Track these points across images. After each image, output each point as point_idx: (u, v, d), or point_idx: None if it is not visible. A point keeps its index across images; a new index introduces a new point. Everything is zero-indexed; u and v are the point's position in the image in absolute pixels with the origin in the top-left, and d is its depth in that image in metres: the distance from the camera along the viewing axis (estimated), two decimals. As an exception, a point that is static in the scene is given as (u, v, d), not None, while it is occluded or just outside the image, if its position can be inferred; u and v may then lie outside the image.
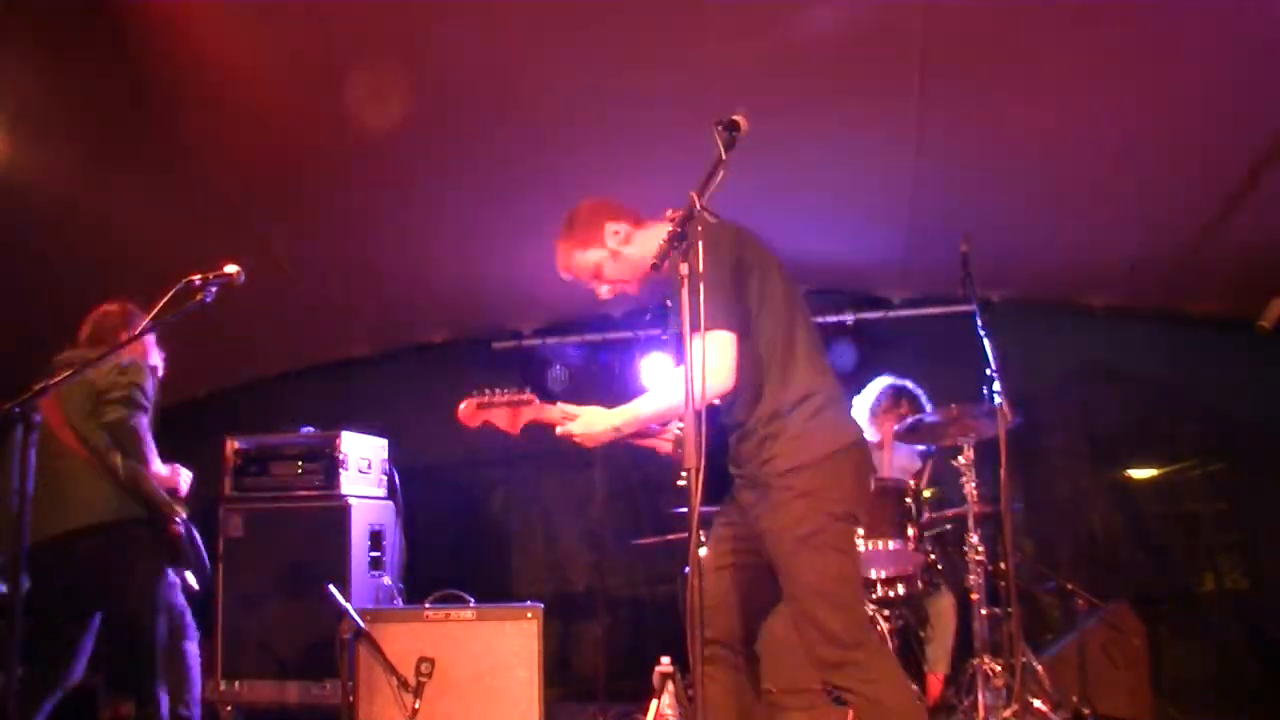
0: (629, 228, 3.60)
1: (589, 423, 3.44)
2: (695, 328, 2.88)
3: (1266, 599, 6.28)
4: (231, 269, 3.87)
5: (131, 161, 5.08)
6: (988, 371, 5.06)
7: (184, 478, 4.74)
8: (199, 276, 3.82)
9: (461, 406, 3.55)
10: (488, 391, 3.60)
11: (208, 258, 3.86)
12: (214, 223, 5.50)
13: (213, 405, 7.62)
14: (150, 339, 4.65)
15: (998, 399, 4.98)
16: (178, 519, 4.51)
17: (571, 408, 3.52)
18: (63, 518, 4.32)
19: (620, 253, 3.59)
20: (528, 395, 3.58)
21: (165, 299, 3.74)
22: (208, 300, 3.84)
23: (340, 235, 6.03)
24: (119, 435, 4.36)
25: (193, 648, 4.68)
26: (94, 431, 4.38)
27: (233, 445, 6.23)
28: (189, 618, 4.70)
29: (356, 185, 5.54)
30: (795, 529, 3.19)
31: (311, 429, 6.29)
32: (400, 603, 6.15)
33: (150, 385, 4.50)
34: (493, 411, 3.59)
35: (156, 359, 4.75)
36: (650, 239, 3.42)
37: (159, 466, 4.53)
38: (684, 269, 2.88)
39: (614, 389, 6.64)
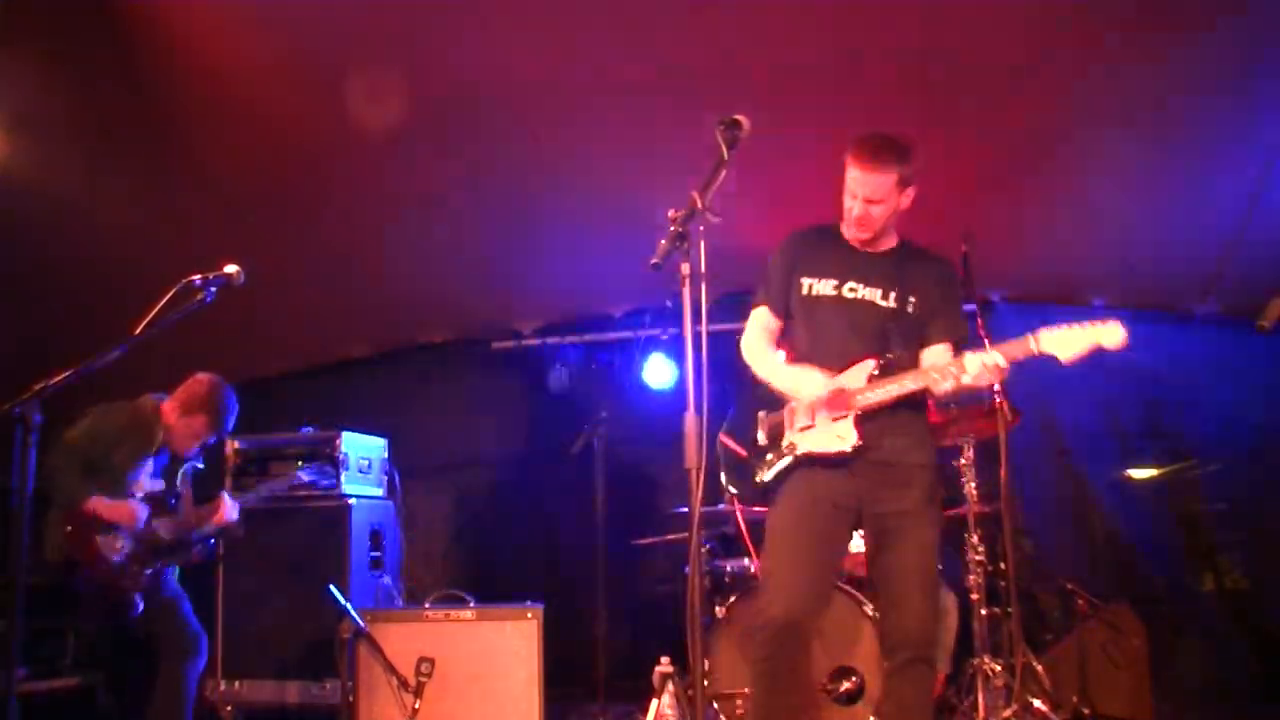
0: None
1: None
2: (696, 325, 2.89)
3: (1266, 599, 6.27)
4: (231, 269, 3.86)
5: (131, 161, 5.08)
6: (988, 371, 5.05)
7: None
8: (199, 276, 3.82)
9: None
10: None
11: (207, 257, 3.86)
12: (213, 222, 5.50)
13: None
14: (195, 425, 4.98)
15: (997, 399, 4.98)
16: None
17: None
18: None
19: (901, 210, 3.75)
20: None
21: (165, 299, 3.73)
22: (207, 300, 3.83)
23: (340, 235, 6.02)
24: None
25: None
26: None
27: (232, 445, 6.22)
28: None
29: (356, 185, 5.54)
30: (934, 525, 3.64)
31: (311, 429, 6.28)
32: (400, 603, 6.14)
33: (105, 443, 4.79)
34: None
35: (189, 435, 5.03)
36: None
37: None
38: (685, 269, 2.89)
39: (614, 388, 6.66)
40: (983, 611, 5.19)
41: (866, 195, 3.59)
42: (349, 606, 4.99)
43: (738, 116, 3.00)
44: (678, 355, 6.98)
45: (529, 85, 4.82)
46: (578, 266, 6.74)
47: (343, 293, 6.75)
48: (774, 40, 4.52)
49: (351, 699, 5.03)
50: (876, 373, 3.57)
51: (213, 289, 3.85)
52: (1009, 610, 5.18)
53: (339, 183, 5.52)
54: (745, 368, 3.85)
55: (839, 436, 3.59)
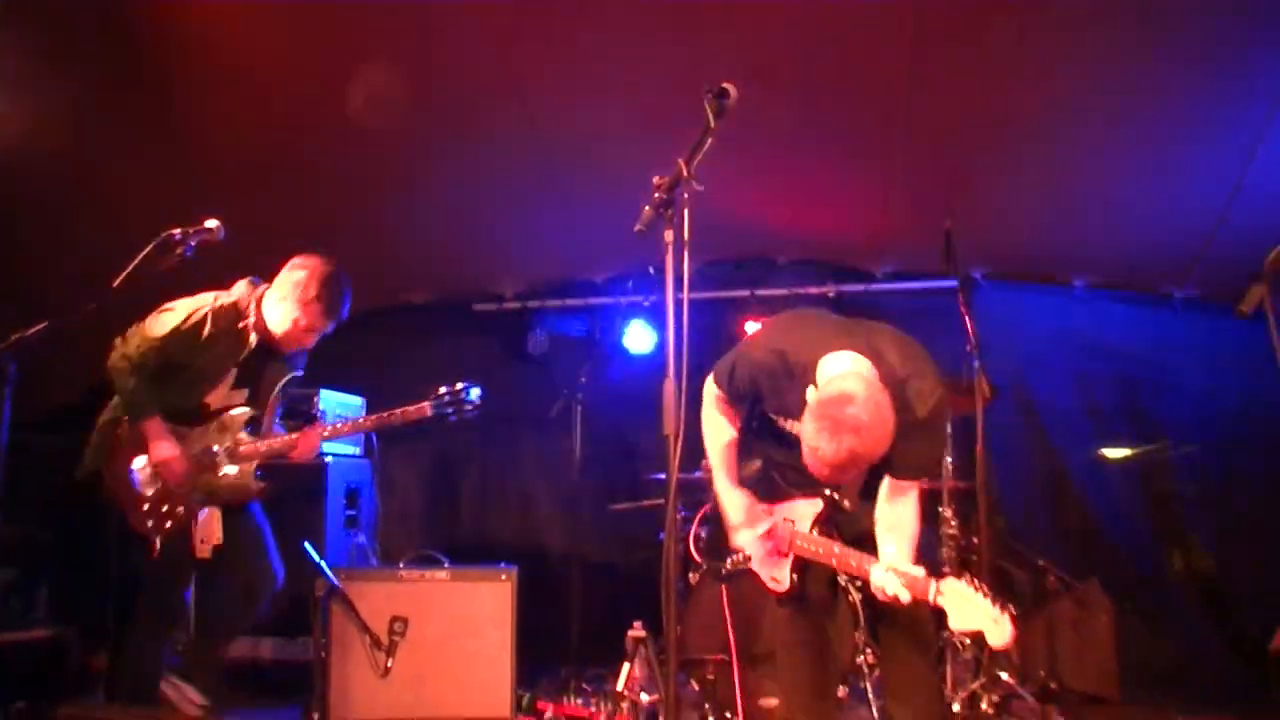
0: None
1: None
2: (678, 292, 2.89)
3: (1234, 580, 6.34)
4: (212, 223, 3.85)
5: (120, 120, 5.02)
6: (967, 347, 5.09)
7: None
8: (178, 230, 3.80)
9: None
10: None
11: (196, 216, 3.85)
12: (202, 181, 5.44)
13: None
14: (310, 315, 4.42)
15: (976, 375, 5.01)
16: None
17: None
18: None
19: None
20: None
21: (145, 252, 3.72)
22: (188, 254, 3.81)
23: (323, 195, 5.98)
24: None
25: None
26: None
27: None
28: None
29: (342, 145, 5.50)
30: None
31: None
32: (375, 562, 6.15)
33: (189, 345, 4.27)
34: None
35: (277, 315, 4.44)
36: None
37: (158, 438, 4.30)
38: (669, 236, 2.89)
39: (594, 354, 6.66)
40: (954, 585, 5.23)
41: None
42: (323, 564, 4.98)
43: (725, 85, 2.99)
44: (659, 322, 6.99)
45: (518, 51, 4.79)
46: (561, 231, 6.72)
47: (324, 251, 6.71)
48: (756, 17, 4.50)
49: (325, 656, 5.04)
50: (819, 526, 3.46)
51: (193, 243, 3.83)
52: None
53: (324, 144, 5.47)
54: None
55: (774, 579, 3.57)
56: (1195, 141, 5.13)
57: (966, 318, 5.12)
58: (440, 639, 5.15)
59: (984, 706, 4.96)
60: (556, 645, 6.13)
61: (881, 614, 3.53)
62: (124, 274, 3.74)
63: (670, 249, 2.89)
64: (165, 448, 4.28)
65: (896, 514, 3.33)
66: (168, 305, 4.30)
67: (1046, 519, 6.77)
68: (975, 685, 5.01)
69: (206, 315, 4.29)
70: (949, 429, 5.26)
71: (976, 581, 2.98)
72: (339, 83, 4.86)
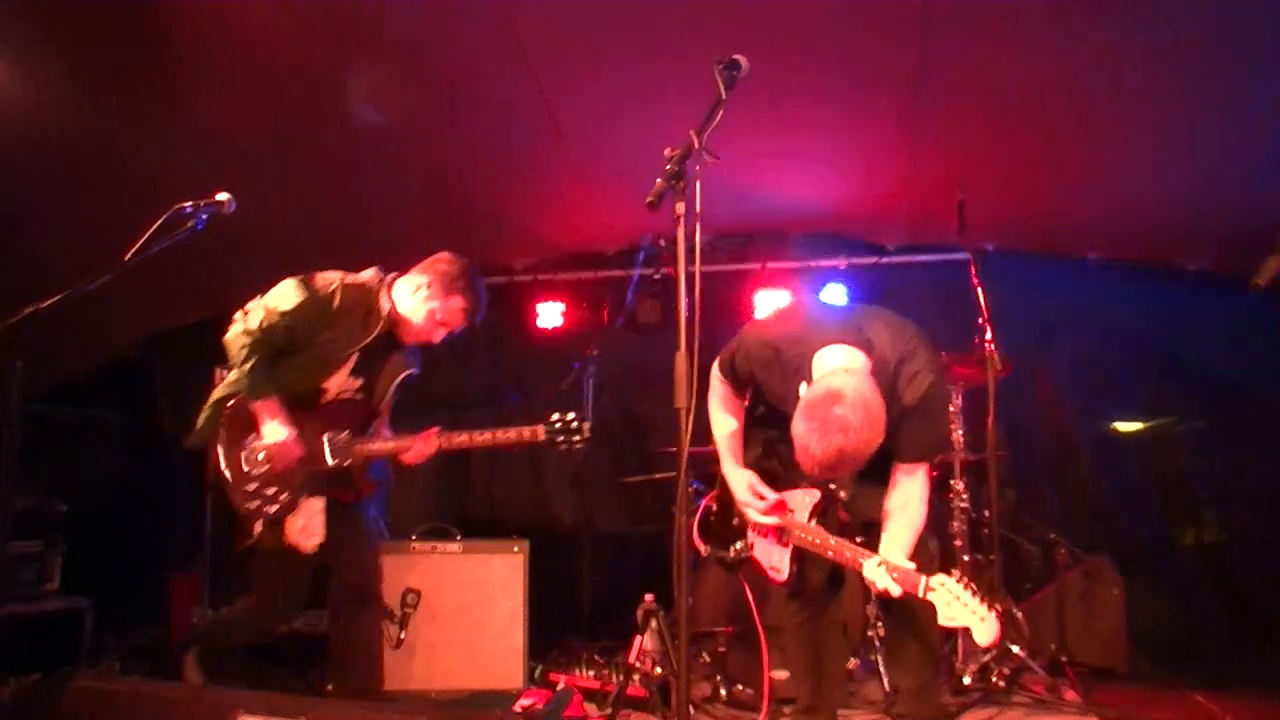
0: None
1: None
2: (689, 265, 2.88)
3: (1243, 554, 6.33)
4: (222, 196, 3.84)
5: (123, 87, 5.01)
6: (979, 320, 5.08)
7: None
8: (189, 204, 3.79)
9: None
10: None
11: (196, 189, 3.84)
12: (209, 159, 5.43)
13: (201, 333, 7.56)
14: (451, 308, 4.29)
15: (988, 348, 5.00)
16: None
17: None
18: None
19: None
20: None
21: (155, 225, 3.71)
22: (199, 228, 3.81)
23: (330, 163, 5.96)
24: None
25: None
26: None
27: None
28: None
29: (349, 118, 5.48)
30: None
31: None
32: (386, 535, 6.17)
33: (314, 321, 4.12)
34: None
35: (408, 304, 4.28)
36: None
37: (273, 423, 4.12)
38: (680, 208, 2.88)
39: (604, 326, 6.65)
40: (965, 558, 5.24)
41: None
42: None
43: (736, 57, 2.98)
44: (670, 295, 6.97)
45: (526, 20, 4.76)
46: (571, 202, 6.70)
47: (331, 226, 6.71)
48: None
49: (337, 628, 5.07)
50: (817, 516, 3.52)
51: (203, 216, 3.83)
52: (991, 558, 5.23)
53: (330, 115, 5.45)
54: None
55: (774, 568, 3.65)
56: (1211, 113, 5.09)
57: (979, 290, 5.11)
58: (452, 611, 5.18)
59: (994, 679, 4.97)
60: (568, 617, 6.15)
61: None
62: (135, 247, 3.74)
63: (681, 221, 2.88)
64: (278, 429, 4.11)
65: (904, 496, 3.41)
66: (285, 281, 4.15)
67: (1057, 492, 6.76)
68: (986, 658, 5.03)
69: (338, 289, 4.14)
70: (953, 406, 5.26)
71: (965, 579, 3.09)
72: (345, 57, 4.83)
